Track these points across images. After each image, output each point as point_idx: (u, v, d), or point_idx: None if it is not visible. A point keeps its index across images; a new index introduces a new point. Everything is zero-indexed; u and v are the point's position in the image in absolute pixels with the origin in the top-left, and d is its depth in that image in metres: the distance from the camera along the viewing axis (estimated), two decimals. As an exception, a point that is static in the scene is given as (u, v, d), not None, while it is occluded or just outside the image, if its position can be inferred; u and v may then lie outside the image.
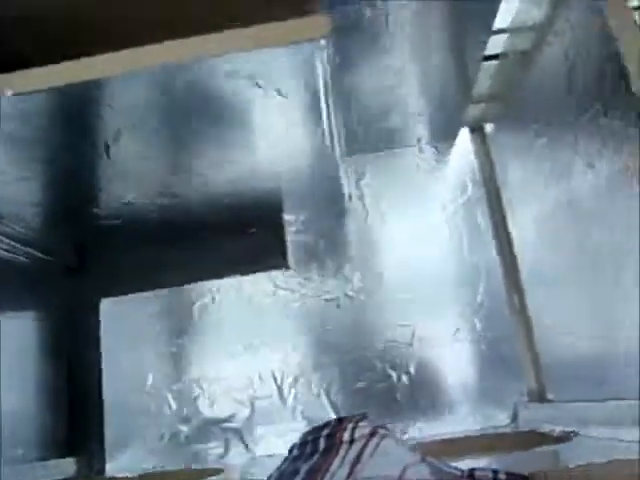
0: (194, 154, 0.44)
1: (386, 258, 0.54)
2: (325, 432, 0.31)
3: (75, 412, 0.55)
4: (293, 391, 0.52)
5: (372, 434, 0.29)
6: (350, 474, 0.27)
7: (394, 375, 0.51)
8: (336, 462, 0.28)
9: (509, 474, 0.26)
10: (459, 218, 0.54)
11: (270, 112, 0.39)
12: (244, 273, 0.55)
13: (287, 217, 0.55)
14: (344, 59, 0.42)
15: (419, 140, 0.56)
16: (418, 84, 0.48)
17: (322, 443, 0.30)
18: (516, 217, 0.52)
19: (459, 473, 0.27)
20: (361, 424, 0.30)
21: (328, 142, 0.43)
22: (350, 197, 0.56)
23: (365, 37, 0.41)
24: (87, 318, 0.56)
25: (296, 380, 0.52)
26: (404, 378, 0.51)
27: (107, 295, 0.56)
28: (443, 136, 0.56)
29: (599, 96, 0.34)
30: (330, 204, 0.55)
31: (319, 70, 0.34)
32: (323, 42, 0.32)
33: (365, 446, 0.29)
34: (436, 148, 0.57)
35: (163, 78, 0.34)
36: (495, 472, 0.27)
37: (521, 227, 0.51)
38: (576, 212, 0.39)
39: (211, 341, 0.54)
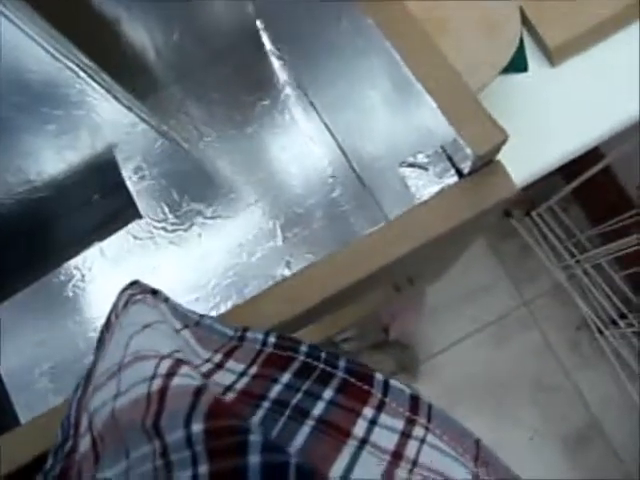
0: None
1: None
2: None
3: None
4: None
5: (126, 304, 0.27)
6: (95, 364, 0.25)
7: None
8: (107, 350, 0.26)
9: (280, 338, 0.25)
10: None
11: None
12: (102, 238, 0.54)
13: (125, 173, 0.54)
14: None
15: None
16: None
17: (103, 333, 0.28)
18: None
19: (230, 332, 0.25)
20: (126, 292, 0.28)
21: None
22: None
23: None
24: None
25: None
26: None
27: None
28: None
29: None
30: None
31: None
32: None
33: (116, 325, 0.26)
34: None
35: None
36: (266, 335, 0.25)
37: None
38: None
39: (94, 314, 0.53)
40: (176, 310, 0.27)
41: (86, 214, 0.54)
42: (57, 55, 0.35)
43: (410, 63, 0.21)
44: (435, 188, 0.21)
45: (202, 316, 0.26)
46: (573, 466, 1.18)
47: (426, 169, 0.21)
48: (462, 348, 1.24)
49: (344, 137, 0.48)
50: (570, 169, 0.68)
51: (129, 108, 0.42)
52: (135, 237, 0.53)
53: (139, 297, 0.27)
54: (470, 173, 0.20)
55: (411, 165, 0.22)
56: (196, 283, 0.50)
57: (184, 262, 0.51)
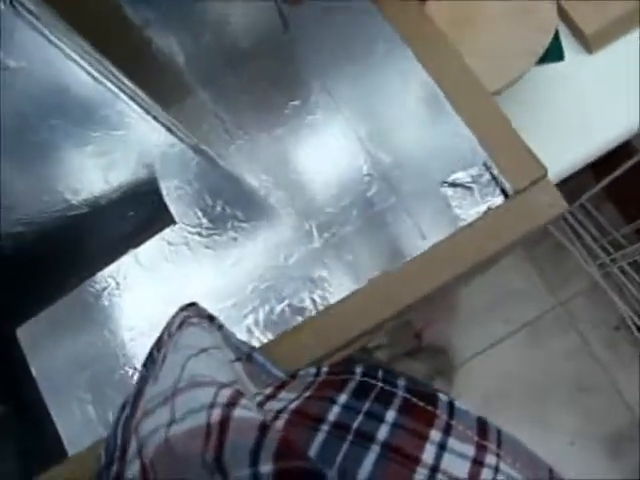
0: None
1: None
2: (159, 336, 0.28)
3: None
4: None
5: (181, 325, 0.26)
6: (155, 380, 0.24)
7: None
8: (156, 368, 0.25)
9: (333, 366, 0.24)
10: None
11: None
12: (136, 246, 0.53)
13: (163, 184, 0.54)
14: None
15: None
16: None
17: (154, 350, 0.28)
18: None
19: (280, 374, 0.24)
20: (182, 314, 0.27)
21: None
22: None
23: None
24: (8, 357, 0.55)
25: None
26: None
27: (17, 325, 0.55)
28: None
29: None
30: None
31: None
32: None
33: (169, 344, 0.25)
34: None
35: None
36: (319, 368, 0.24)
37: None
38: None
39: (129, 323, 0.53)
40: (229, 339, 0.26)
41: (120, 225, 0.54)
42: (97, 76, 0.35)
43: (445, 89, 0.20)
44: (481, 208, 0.20)
45: (253, 349, 0.25)
46: (616, 468, 1.14)
47: (470, 189, 0.21)
48: (498, 351, 1.22)
49: (374, 144, 0.48)
50: (601, 166, 0.66)
51: (168, 128, 0.42)
52: (170, 243, 0.52)
53: (195, 320, 0.26)
54: (517, 192, 0.19)
55: (453, 185, 0.21)
56: (233, 287, 0.50)
57: (220, 267, 0.50)
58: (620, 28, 0.51)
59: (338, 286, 0.49)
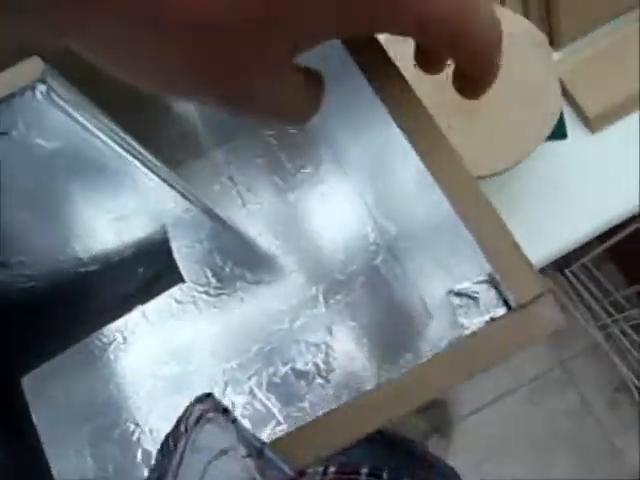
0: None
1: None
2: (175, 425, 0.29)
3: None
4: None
5: (198, 419, 0.27)
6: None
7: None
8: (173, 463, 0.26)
9: (341, 465, 0.25)
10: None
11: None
12: (145, 301, 0.54)
13: (174, 243, 0.55)
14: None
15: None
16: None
17: (170, 440, 0.28)
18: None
19: (289, 472, 0.25)
20: (198, 406, 0.27)
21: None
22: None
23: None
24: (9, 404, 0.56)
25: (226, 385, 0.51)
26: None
27: (23, 373, 0.56)
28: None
29: None
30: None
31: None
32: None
33: (187, 440, 0.26)
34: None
35: None
36: (326, 467, 0.25)
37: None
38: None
39: (133, 378, 0.53)
40: (242, 434, 0.27)
41: (130, 280, 0.55)
42: (112, 144, 0.37)
43: (451, 200, 0.22)
44: (484, 318, 0.21)
45: (264, 444, 0.26)
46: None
47: (475, 299, 0.22)
48: (497, 408, 1.21)
49: (381, 213, 0.49)
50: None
51: (181, 192, 0.43)
52: (178, 301, 0.53)
53: (212, 415, 0.27)
54: (520, 306, 0.20)
55: (459, 294, 0.22)
56: (238, 348, 0.51)
57: (226, 327, 0.51)
58: (622, 110, 0.53)
59: (341, 352, 0.49)
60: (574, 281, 1.16)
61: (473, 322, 0.22)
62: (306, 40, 0.19)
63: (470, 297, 0.22)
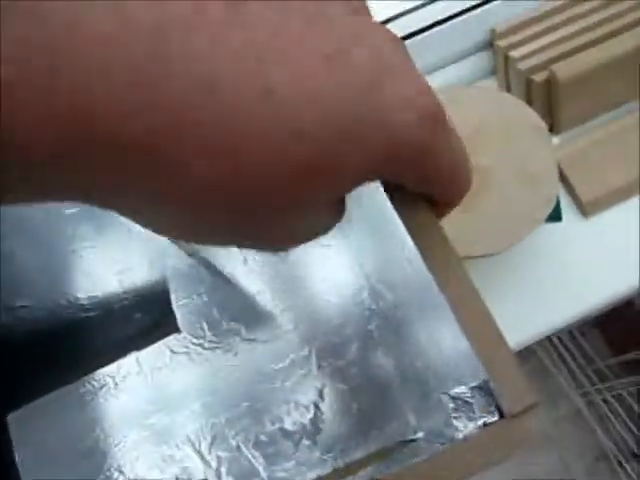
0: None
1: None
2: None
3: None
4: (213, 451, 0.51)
5: None
6: None
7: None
8: None
9: None
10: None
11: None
12: (139, 348, 0.55)
13: (173, 293, 0.56)
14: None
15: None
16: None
17: None
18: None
19: None
20: None
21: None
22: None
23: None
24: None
25: (213, 439, 0.51)
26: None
27: (10, 410, 0.56)
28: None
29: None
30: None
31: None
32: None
33: None
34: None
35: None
36: None
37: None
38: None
39: (121, 424, 0.54)
40: None
41: (126, 326, 0.55)
42: None
43: (448, 300, 0.23)
44: (477, 423, 0.22)
45: None
46: None
47: (470, 404, 0.23)
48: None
49: (378, 280, 0.50)
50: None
51: (191, 255, 0.44)
52: (172, 351, 0.54)
53: None
54: (512, 415, 0.21)
55: (454, 398, 0.23)
56: (228, 403, 0.51)
57: (218, 381, 0.52)
58: (617, 197, 0.55)
59: (330, 415, 0.50)
60: (559, 346, 1.17)
61: (466, 426, 0.23)
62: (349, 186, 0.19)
63: (465, 402, 0.23)
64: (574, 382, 1.16)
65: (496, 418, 0.22)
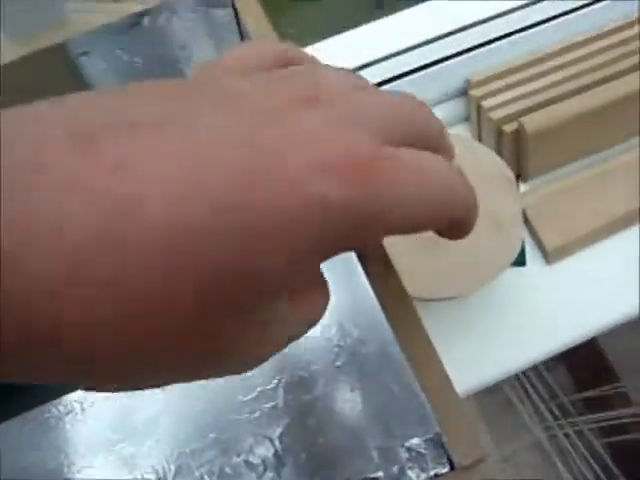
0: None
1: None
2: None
3: None
4: (177, 481, 0.51)
5: None
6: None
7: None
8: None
9: None
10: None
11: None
12: (108, 375, 0.55)
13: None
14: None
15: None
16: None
17: None
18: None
19: None
20: None
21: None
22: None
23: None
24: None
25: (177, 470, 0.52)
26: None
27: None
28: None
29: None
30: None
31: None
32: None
33: None
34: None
35: None
36: None
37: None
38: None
39: (87, 451, 0.54)
40: None
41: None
42: None
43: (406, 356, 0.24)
44: (429, 474, 0.24)
45: None
46: None
47: (423, 455, 0.24)
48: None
49: (347, 316, 0.52)
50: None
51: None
52: (141, 378, 0.54)
53: None
54: (463, 467, 0.22)
55: (409, 449, 0.25)
56: (194, 434, 0.52)
57: (188, 411, 0.53)
58: (580, 244, 0.58)
59: (295, 449, 0.51)
60: (523, 379, 1.19)
61: (419, 476, 0.24)
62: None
63: (418, 453, 0.24)
64: (537, 415, 1.18)
65: (447, 469, 0.23)
